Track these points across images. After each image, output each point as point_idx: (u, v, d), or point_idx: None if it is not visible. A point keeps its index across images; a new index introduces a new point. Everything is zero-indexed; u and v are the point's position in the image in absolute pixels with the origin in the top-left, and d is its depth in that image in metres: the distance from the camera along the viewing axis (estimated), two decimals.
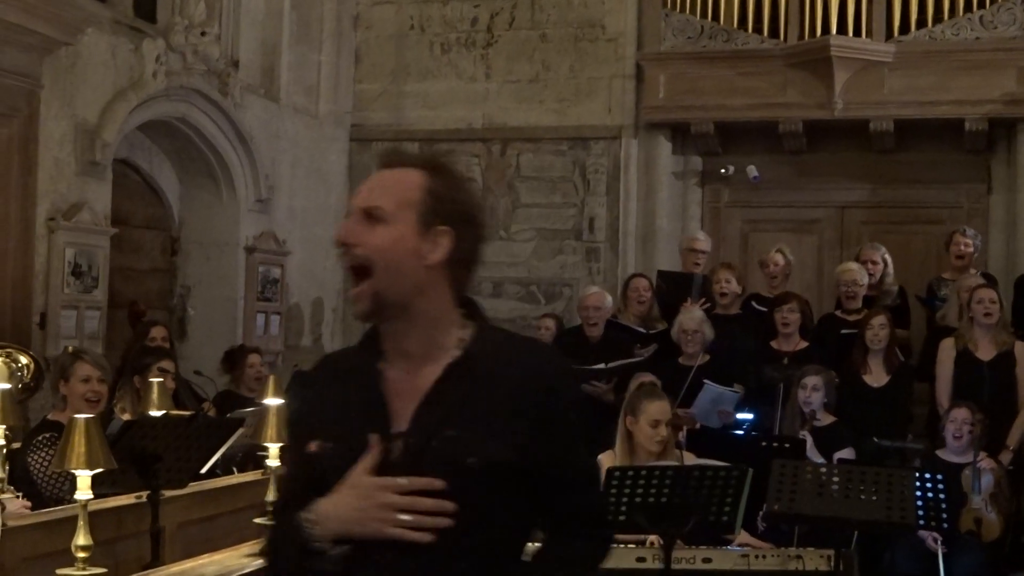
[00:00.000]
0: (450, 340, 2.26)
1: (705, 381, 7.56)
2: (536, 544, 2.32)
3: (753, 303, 8.59)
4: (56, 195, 7.89)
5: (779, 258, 8.73)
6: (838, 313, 8.45)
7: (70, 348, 6.77)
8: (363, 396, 2.24)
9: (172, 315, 9.67)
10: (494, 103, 10.80)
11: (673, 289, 8.78)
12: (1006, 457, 7.39)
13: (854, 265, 8.51)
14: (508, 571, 2.25)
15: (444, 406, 2.19)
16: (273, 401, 4.04)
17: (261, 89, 10.01)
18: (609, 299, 8.44)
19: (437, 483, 2.12)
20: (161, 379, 5.59)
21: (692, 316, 7.95)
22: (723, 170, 10.45)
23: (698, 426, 7.29)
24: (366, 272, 2.21)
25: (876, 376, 7.74)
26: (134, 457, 4.55)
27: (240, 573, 3.67)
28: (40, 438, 5.27)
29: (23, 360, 6.73)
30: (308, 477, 2.26)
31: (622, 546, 5.27)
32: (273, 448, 3.91)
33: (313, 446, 2.24)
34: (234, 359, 8.31)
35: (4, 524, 4.09)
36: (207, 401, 7.71)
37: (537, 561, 2.30)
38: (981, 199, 10.08)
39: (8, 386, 4.17)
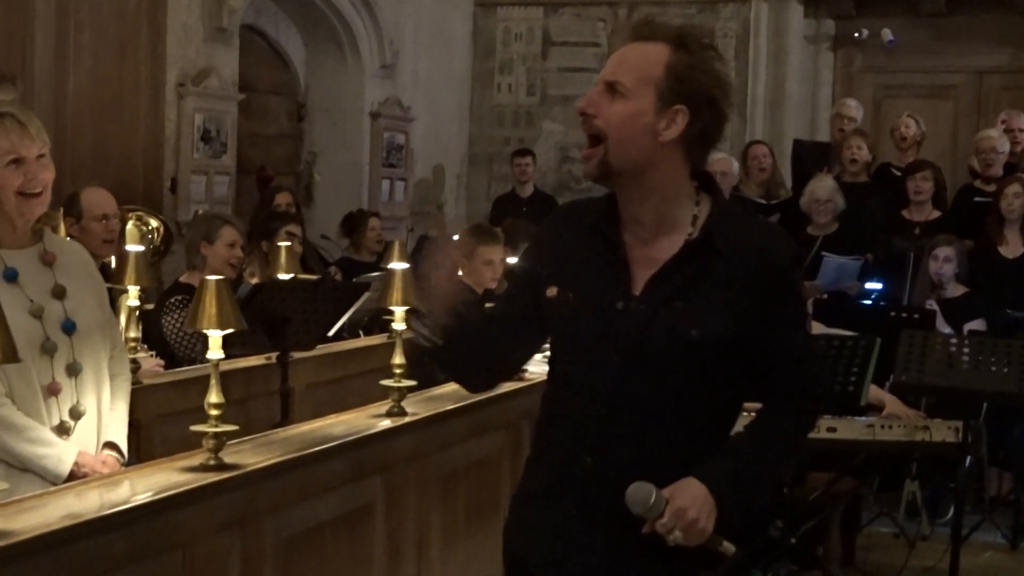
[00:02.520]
0: (685, 214, 2.37)
1: (824, 254, 7.43)
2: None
3: (892, 169, 8.40)
4: (185, 61, 7.96)
5: (911, 123, 8.50)
6: (976, 183, 8.22)
7: (199, 211, 6.88)
8: (605, 259, 2.38)
9: (299, 181, 9.78)
10: None
11: (809, 157, 8.60)
12: None
13: (994, 132, 8.24)
14: (721, 439, 2.42)
15: (677, 279, 2.33)
16: (399, 265, 4.06)
17: None
18: (735, 165, 8.33)
19: None
20: (289, 243, 5.65)
21: (825, 184, 7.79)
22: (857, 34, 10.14)
23: (824, 296, 7.20)
24: (600, 140, 2.33)
25: (1012, 247, 7.53)
26: (263, 319, 4.63)
27: (367, 432, 3.73)
28: (173, 300, 5.39)
29: (153, 223, 6.88)
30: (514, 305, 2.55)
31: (744, 413, 5.25)
32: (399, 311, 3.93)
33: (553, 291, 2.41)
34: (354, 223, 8.34)
35: (140, 382, 4.22)
36: (334, 265, 7.81)
37: (751, 430, 2.47)
38: None
39: (141, 248, 4.24)
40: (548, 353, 2.59)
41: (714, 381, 2.36)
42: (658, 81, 2.31)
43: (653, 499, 2.27)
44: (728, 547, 2.33)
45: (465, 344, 2.52)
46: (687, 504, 2.27)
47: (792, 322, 2.44)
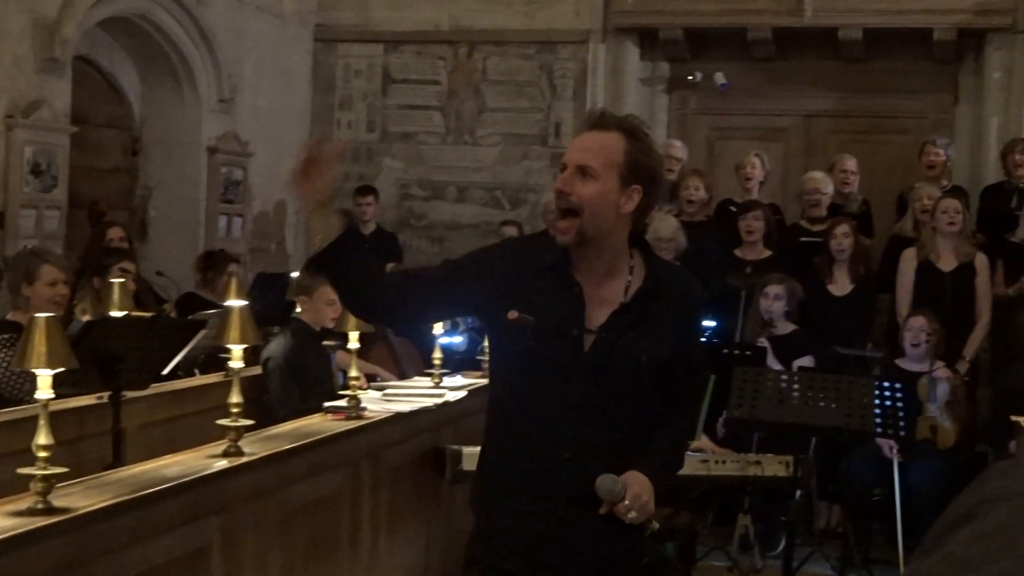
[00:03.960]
0: (625, 264, 3.03)
1: None
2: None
3: (731, 207, 8.61)
4: (15, 92, 7.76)
5: (756, 162, 8.73)
6: (802, 222, 8.48)
7: (29, 247, 6.70)
8: (566, 296, 2.99)
9: (134, 216, 9.58)
10: (462, 4, 10.66)
11: None
12: (963, 367, 7.48)
13: (818, 174, 8.53)
14: (650, 436, 3.07)
15: (630, 317, 2.99)
16: (236, 303, 4.01)
17: None
18: None
19: None
20: (122, 279, 5.54)
21: (668, 224, 7.91)
22: (691, 76, 10.39)
23: None
24: (575, 214, 2.93)
25: (840, 285, 7.79)
26: (95, 358, 4.52)
27: (203, 473, 3.67)
28: None
29: None
30: (442, 288, 3.10)
31: None
32: (236, 350, 3.89)
33: (514, 314, 2.98)
34: (212, 262, 8.20)
35: None
36: (168, 303, 7.67)
37: (665, 429, 3.12)
38: (948, 109, 10.08)
39: None
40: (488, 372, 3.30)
41: (653, 391, 3.04)
42: (619, 166, 2.93)
43: (618, 487, 2.90)
44: (654, 524, 3.00)
45: (356, 256, 3.03)
46: (641, 490, 2.92)
47: (697, 343, 3.25)
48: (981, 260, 7.73)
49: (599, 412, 2.99)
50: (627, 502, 2.91)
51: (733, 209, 8.50)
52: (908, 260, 7.84)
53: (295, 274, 6.76)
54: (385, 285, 3.09)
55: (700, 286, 3.24)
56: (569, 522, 3.00)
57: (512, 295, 3.00)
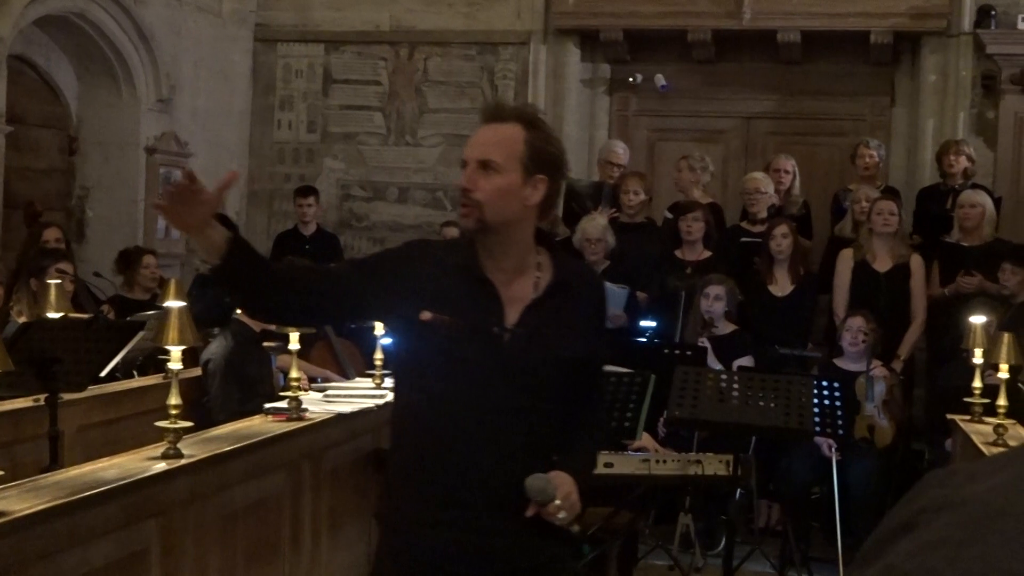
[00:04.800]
0: (532, 260, 2.96)
1: None
2: None
3: (666, 213, 8.67)
4: None
5: (683, 165, 8.81)
6: (743, 224, 8.54)
7: None
8: (479, 295, 2.89)
9: (71, 216, 9.48)
10: (402, 5, 10.64)
11: (580, 198, 8.79)
12: (898, 366, 7.57)
13: (758, 174, 8.60)
14: (566, 437, 3.00)
15: (544, 312, 2.91)
16: (175, 303, 3.98)
17: None
18: None
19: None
20: (59, 281, 5.48)
21: (595, 224, 7.97)
22: (631, 78, 10.42)
23: None
24: (480, 207, 2.84)
25: (781, 286, 7.85)
26: (32, 360, 4.47)
27: (141, 476, 3.64)
28: None
29: None
30: (348, 284, 2.98)
31: None
32: (175, 351, 3.86)
33: (428, 315, 2.86)
34: (128, 260, 8.12)
35: None
36: (106, 303, 7.59)
37: (582, 429, 3.04)
38: (884, 112, 10.18)
39: None
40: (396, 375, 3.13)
41: (571, 388, 2.97)
42: (522, 157, 2.86)
43: (549, 488, 2.80)
44: (576, 526, 2.95)
45: (250, 264, 2.86)
46: (570, 489, 2.84)
47: (605, 341, 3.15)
48: (916, 261, 7.82)
49: (519, 413, 2.87)
50: (558, 502, 2.81)
51: (666, 215, 8.57)
52: (844, 260, 7.93)
53: None
54: (292, 287, 2.95)
55: (603, 282, 3.24)
56: (489, 531, 2.86)
57: (424, 296, 2.88)
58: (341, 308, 3.06)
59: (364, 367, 6.48)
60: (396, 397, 3.09)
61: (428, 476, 2.90)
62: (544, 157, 2.89)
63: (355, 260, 3.20)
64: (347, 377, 6.60)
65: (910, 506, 1.01)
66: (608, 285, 7.54)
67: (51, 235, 7.27)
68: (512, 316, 2.90)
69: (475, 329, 2.87)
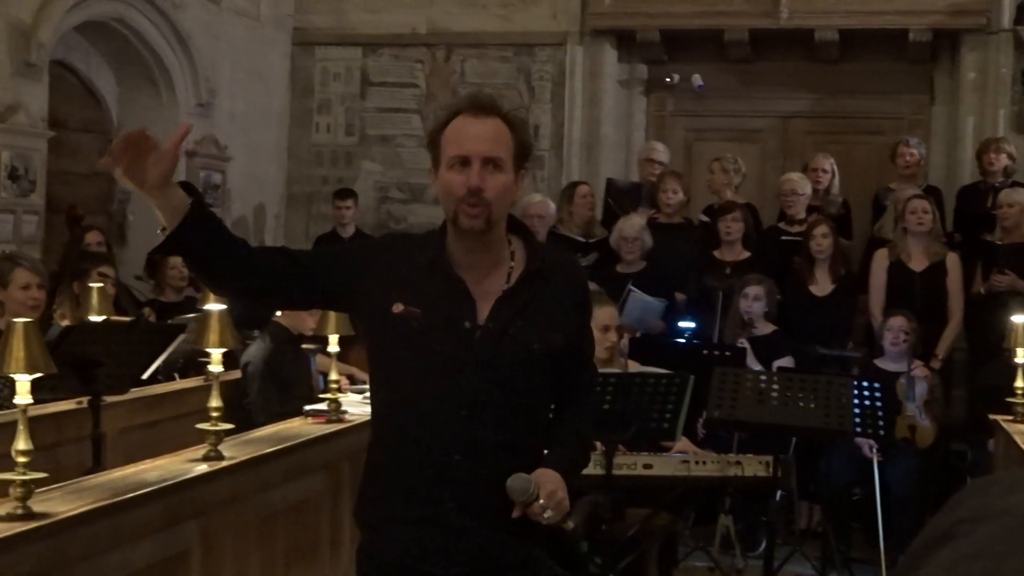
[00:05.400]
0: (506, 252, 2.88)
1: (631, 288, 7.57)
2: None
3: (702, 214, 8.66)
4: None
5: (715, 167, 8.79)
6: (781, 224, 8.50)
7: (5, 252, 6.67)
8: (450, 291, 2.81)
9: (112, 220, 9.55)
10: (439, 7, 10.66)
11: (619, 197, 8.79)
12: (935, 365, 7.51)
13: (796, 175, 8.55)
14: (546, 429, 2.94)
15: (517, 302, 2.83)
16: (215, 307, 4.00)
17: None
18: (552, 207, 8.42)
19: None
20: (101, 284, 5.52)
21: (632, 224, 7.96)
22: (668, 79, 10.40)
23: (637, 334, 7.33)
24: (489, 206, 2.76)
25: (821, 286, 7.81)
26: (74, 362, 4.51)
27: (182, 477, 3.66)
28: None
29: None
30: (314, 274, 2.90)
31: None
32: (215, 354, 3.88)
33: (399, 307, 2.79)
34: (156, 263, 8.15)
35: None
36: (147, 307, 7.65)
37: (569, 423, 2.98)
38: (923, 110, 10.12)
39: None
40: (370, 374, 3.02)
41: (547, 382, 2.88)
42: (513, 152, 2.82)
43: (531, 487, 2.71)
44: (570, 523, 2.88)
45: (208, 232, 2.80)
46: (555, 487, 2.75)
47: (589, 334, 3.06)
48: (952, 260, 7.76)
49: (491, 409, 2.79)
50: (542, 501, 2.72)
51: (702, 217, 8.55)
52: (880, 260, 7.88)
53: None
54: (252, 264, 2.86)
55: (586, 273, 3.16)
56: (459, 530, 2.79)
57: (395, 289, 2.82)
58: (303, 293, 2.97)
59: None
60: (371, 393, 3.04)
61: (396, 474, 2.86)
62: (526, 150, 2.87)
63: (328, 248, 3.10)
64: None
65: (949, 515, 0.99)
66: (646, 297, 7.55)
67: (93, 239, 7.32)
68: (484, 310, 2.82)
69: (445, 324, 2.79)
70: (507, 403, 2.80)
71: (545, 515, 2.73)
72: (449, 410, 2.78)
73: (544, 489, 2.73)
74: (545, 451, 2.89)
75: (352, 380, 6.36)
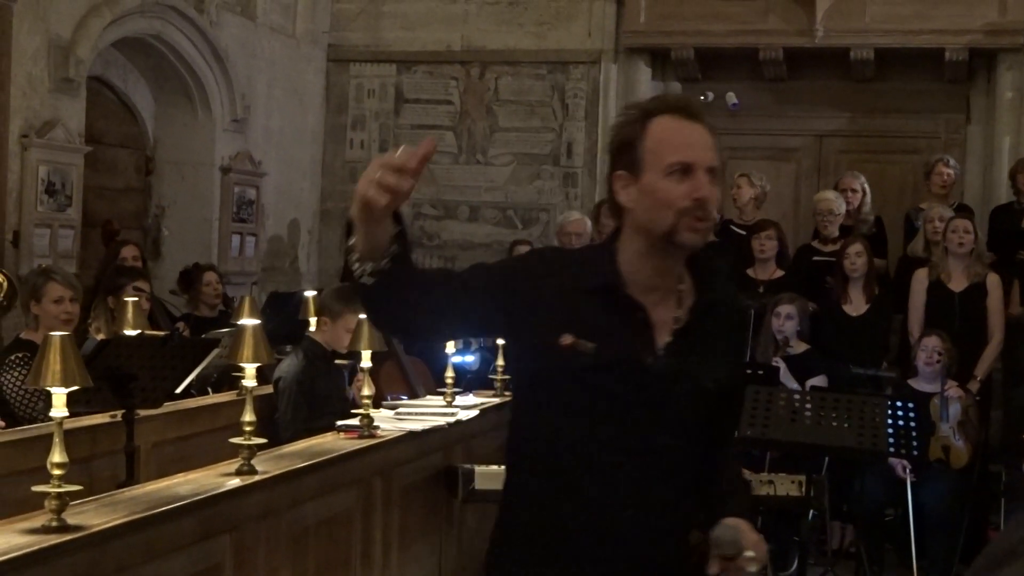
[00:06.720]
0: (677, 275, 2.53)
1: None
2: None
3: (731, 227, 8.60)
4: (29, 112, 7.80)
5: (741, 182, 8.73)
6: (814, 243, 8.47)
7: (41, 265, 6.73)
8: (627, 321, 2.47)
9: (147, 235, 9.62)
10: (473, 25, 10.70)
11: None
12: (974, 387, 7.46)
13: (831, 194, 8.52)
14: (705, 487, 2.61)
15: (693, 335, 2.50)
16: (249, 321, 4.02)
17: (238, 7, 9.89)
18: (589, 224, 8.43)
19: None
20: (136, 298, 5.56)
21: None
22: (702, 97, 10.39)
23: None
24: (713, 219, 2.51)
25: (855, 305, 7.78)
26: (109, 376, 4.53)
27: (215, 491, 3.67)
28: (13, 357, 5.24)
29: None
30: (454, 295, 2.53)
31: None
32: (249, 368, 3.90)
33: (568, 339, 2.44)
34: (190, 279, 8.21)
35: None
36: (182, 321, 7.69)
37: (728, 469, 2.72)
38: (959, 129, 10.08)
39: None
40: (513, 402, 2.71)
41: (712, 423, 2.56)
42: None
43: (739, 538, 2.47)
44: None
45: (404, 281, 2.44)
46: (756, 536, 2.51)
47: (742, 363, 2.82)
48: (993, 280, 7.71)
49: (662, 455, 2.49)
50: (751, 553, 2.46)
51: (739, 231, 8.50)
52: (919, 280, 7.83)
53: (309, 293, 6.77)
54: (427, 305, 2.50)
55: (742, 302, 2.91)
56: None
57: (562, 317, 2.47)
58: (466, 330, 2.90)
59: (433, 385, 6.50)
60: (513, 427, 2.64)
61: (551, 528, 2.52)
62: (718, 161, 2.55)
63: (488, 274, 2.60)
64: (416, 395, 6.63)
65: (1014, 534, 0.98)
66: None
67: (128, 253, 7.38)
68: (660, 343, 2.49)
69: (622, 361, 2.45)
70: (678, 447, 2.51)
71: (751, 569, 2.48)
72: (619, 458, 2.47)
73: (747, 539, 2.48)
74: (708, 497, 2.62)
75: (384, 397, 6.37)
